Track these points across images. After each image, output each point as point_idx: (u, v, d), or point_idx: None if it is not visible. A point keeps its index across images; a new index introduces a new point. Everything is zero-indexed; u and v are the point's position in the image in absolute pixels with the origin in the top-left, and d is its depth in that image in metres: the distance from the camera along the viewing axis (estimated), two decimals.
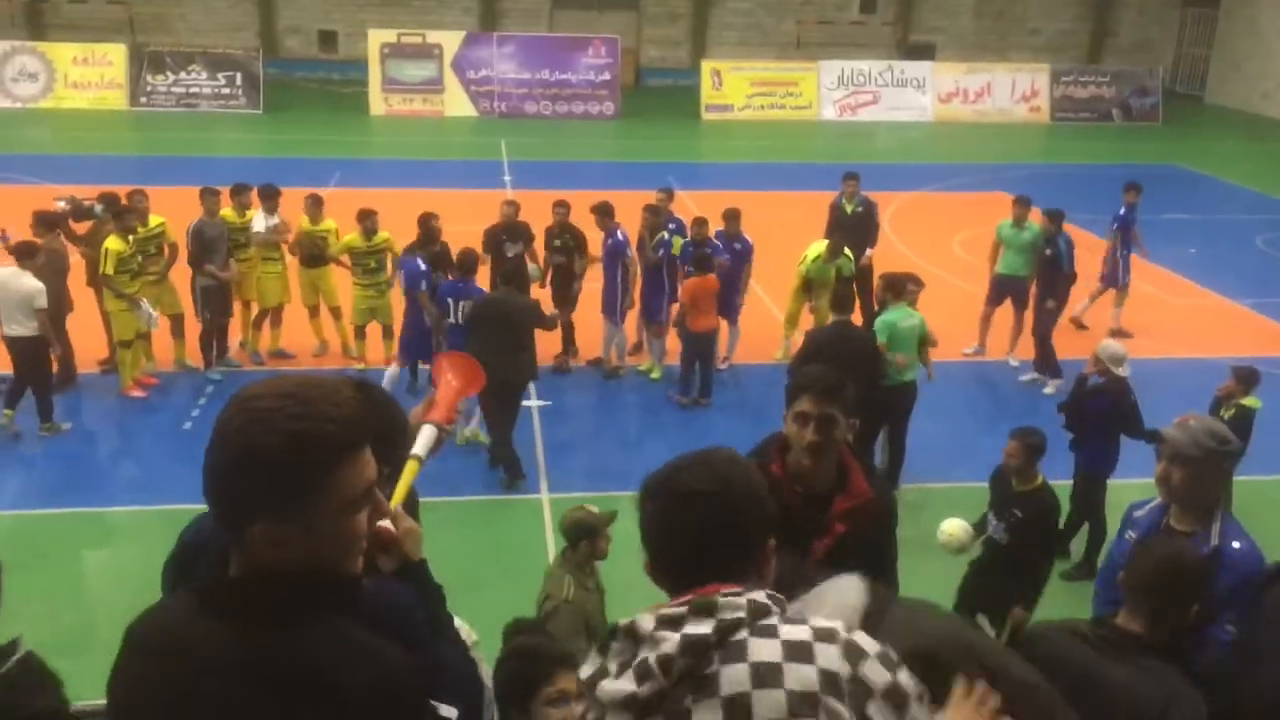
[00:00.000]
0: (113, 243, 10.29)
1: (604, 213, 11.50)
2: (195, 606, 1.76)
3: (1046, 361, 11.66)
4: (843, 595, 2.06)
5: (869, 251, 12.61)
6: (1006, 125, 29.08)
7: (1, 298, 9.60)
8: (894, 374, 8.96)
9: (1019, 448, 6.41)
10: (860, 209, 12.74)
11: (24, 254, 9.80)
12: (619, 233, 11.52)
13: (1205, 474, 3.68)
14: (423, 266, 10.41)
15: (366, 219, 11.29)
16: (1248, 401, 8.37)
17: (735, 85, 29.23)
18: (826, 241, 11.83)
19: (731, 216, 11.88)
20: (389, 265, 11.44)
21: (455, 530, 8.32)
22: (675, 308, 11.36)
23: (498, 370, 8.62)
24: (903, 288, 9.29)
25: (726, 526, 1.94)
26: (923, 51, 33.82)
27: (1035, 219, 12.07)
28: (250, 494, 1.69)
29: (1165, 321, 13.90)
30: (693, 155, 25.06)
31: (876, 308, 9.40)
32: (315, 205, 11.61)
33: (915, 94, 29.60)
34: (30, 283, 9.59)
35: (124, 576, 7.63)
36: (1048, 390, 11.44)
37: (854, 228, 12.52)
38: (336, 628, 1.74)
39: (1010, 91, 29.94)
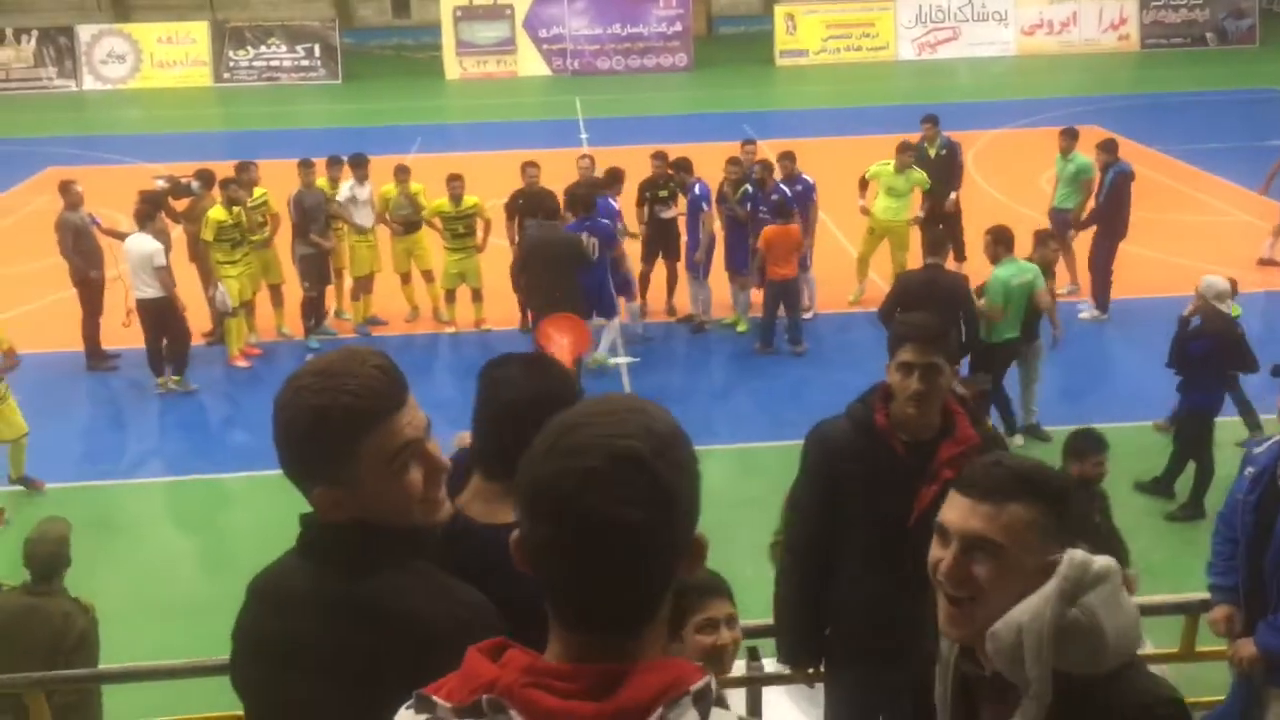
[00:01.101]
0: (216, 212, 10.66)
1: (682, 168, 11.55)
2: (297, 559, 2.00)
3: (1099, 288, 11.50)
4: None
5: (954, 194, 12.40)
6: (1094, 56, 28.08)
7: (130, 262, 10.11)
8: (995, 331, 8.53)
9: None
10: (944, 151, 12.50)
11: (143, 216, 10.33)
12: (697, 186, 11.52)
13: None
14: (615, 206, 11.19)
15: (453, 184, 11.47)
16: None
17: (809, 29, 28.71)
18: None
19: (786, 158, 11.78)
20: (479, 230, 11.62)
21: None
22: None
23: (546, 304, 9.29)
24: (1012, 241, 8.84)
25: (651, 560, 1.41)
26: None
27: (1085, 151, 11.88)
28: (298, 463, 1.93)
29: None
30: (768, 103, 24.75)
31: (989, 260, 8.98)
32: (403, 174, 11.80)
33: (997, 28, 28.72)
34: (149, 244, 10.08)
35: (241, 538, 7.99)
36: (1084, 315, 11.29)
37: (937, 171, 12.34)
38: (409, 572, 1.92)
39: (1097, 20, 28.85)
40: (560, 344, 2.90)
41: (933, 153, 12.48)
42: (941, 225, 11.90)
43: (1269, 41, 28.78)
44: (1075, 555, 1.97)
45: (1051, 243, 9.12)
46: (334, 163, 11.84)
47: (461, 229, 11.57)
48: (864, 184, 12.20)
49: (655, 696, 1.34)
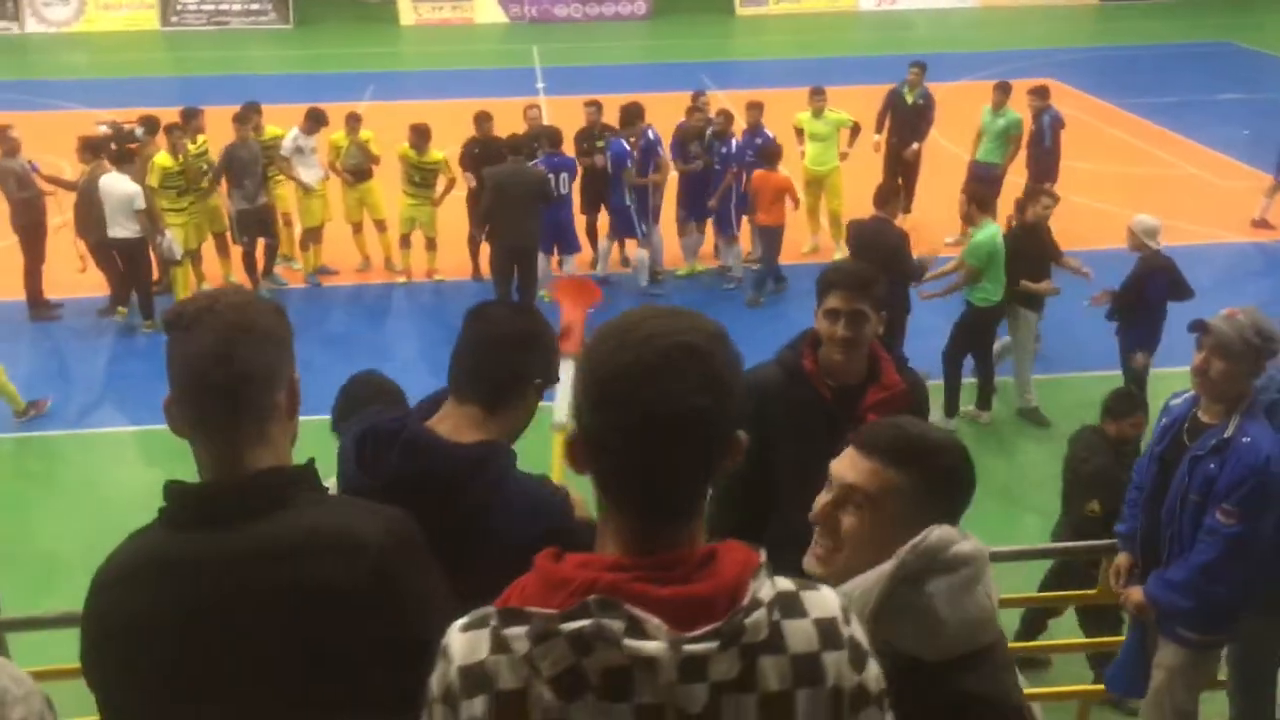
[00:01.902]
0: (161, 159, 10.51)
1: (633, 114, 11.45)
2: (174, 529, 1.99)
3: None
4: None
5: (916, 145, 12.43)
6: (1054, 7, 28.07)
7: (106, 202, 10.05)
8: (978, 294, 8.50)
9: None
10: (921, 101, 12.51)
11: (122, 159, 10.28)
12: (649, 132, 11.45)
13: (1243, 369, 3.68)
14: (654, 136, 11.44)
15: (417, 134, 11.31)
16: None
17: None
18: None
19: (754, 108, 11.70)
20: (439, 185, 11.48)
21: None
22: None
23: (514, 235, 9.89)
24: (992, 202, 8.83)
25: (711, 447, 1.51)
26: None
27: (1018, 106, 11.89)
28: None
29: (1213, 204, 13.57)
30: (727, 53, 24.57)
31: (964, 222, 9.12)
32: (354, 123, 11.61)
33: None
34: (129, 185, 10.07)
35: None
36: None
37: (911, 119, 12.39)
38: (322, 501, 1.98)
39: None
40: (571, 308, 3.01)
41: (910, 99, 12.47)
42: (900, 176, 12.03)
43: None
44: (930, 537, 1.91)
45: (1044, 198, 8.70)
46: (242, 117, 11.18)
47: (418, 179, 11.45)
48: (799, 133, 12.21)
49: (740, 573, 1.46)
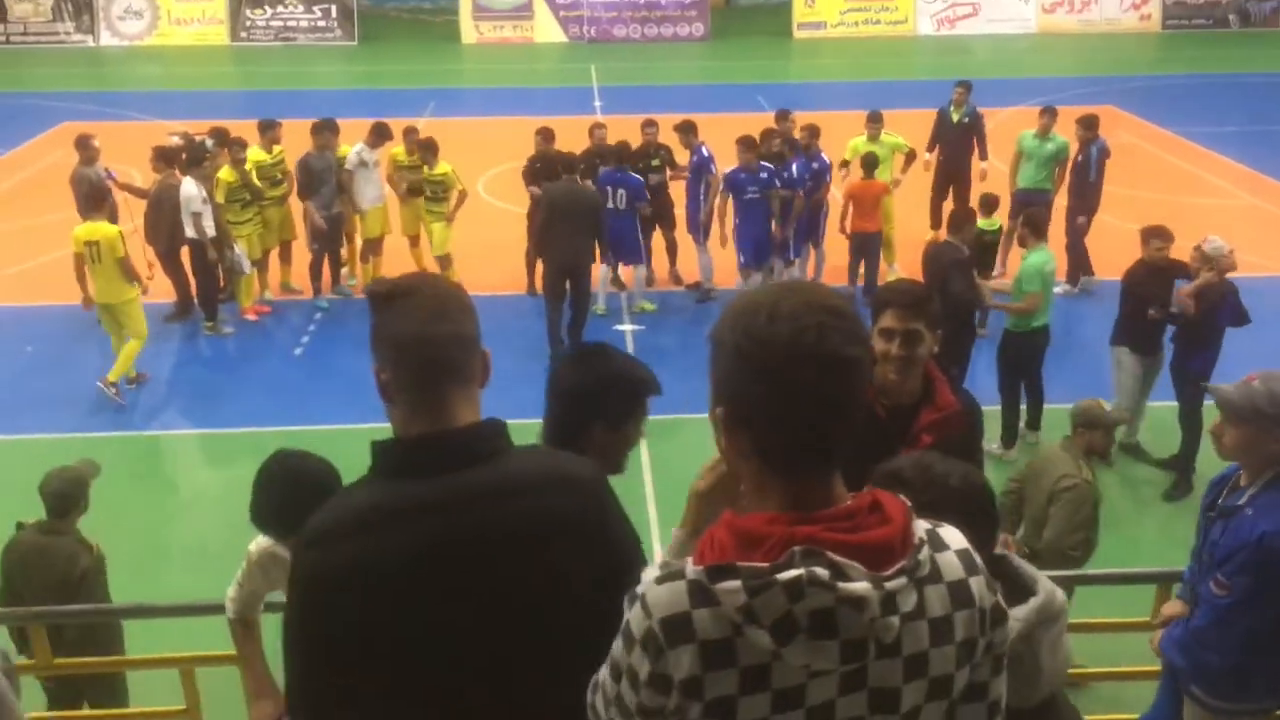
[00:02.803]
0: (225, 173, 10.79)
1: (687, 131, 11.61)
2: (393, 481, 2.12)
3: (1080, 264, 11.61)
4: None
5: (983, 165, 12.44)
6: (1115, 35, 27.84)
7: (181, 204, 10.37)
8: (1026, 320, 8.43)
9: None
10: (967, 119, 12.52)
11: (192, 162, 10.59)
12: (703, 149, 11.55)
13: (1258, 438, 3.55)
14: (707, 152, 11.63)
15: (424, 148, 11.48)
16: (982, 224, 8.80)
17: (828, 2, 28.50)
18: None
19: (810, 133, 11.71)
20: (451, 199, 11.64)
21: None
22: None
23: (567, 252, 9.85)
24: (1044, 228, 8.76)
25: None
26: None
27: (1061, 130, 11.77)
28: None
29: (1276, 235, 13.37)
30: (784, 76, 24.65)
31: (1019, 245, 9.04)
32: (412, 136, 11.85)
33: (1018, 4, 28.46)
34: (188, 189, 10.35)
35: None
36: (1057, 290, 11.05)
37: (958, 138, 12.42)
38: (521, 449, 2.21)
39: None
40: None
41: (956, 118, 12.51)
42: (952, 194, 12.07)
43: None
44: (1047, 588, 1.99)
45: (1155, 240, 8.15)
46: (319, 129, 11.54)
47: (428, 193, 11.62)
48: (845, 163, 12.10)
49: (906, 518, 1.63)
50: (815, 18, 28.45)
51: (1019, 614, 1.95)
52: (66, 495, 5.05)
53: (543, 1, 28.06)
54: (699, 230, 11.65)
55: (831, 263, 11.90)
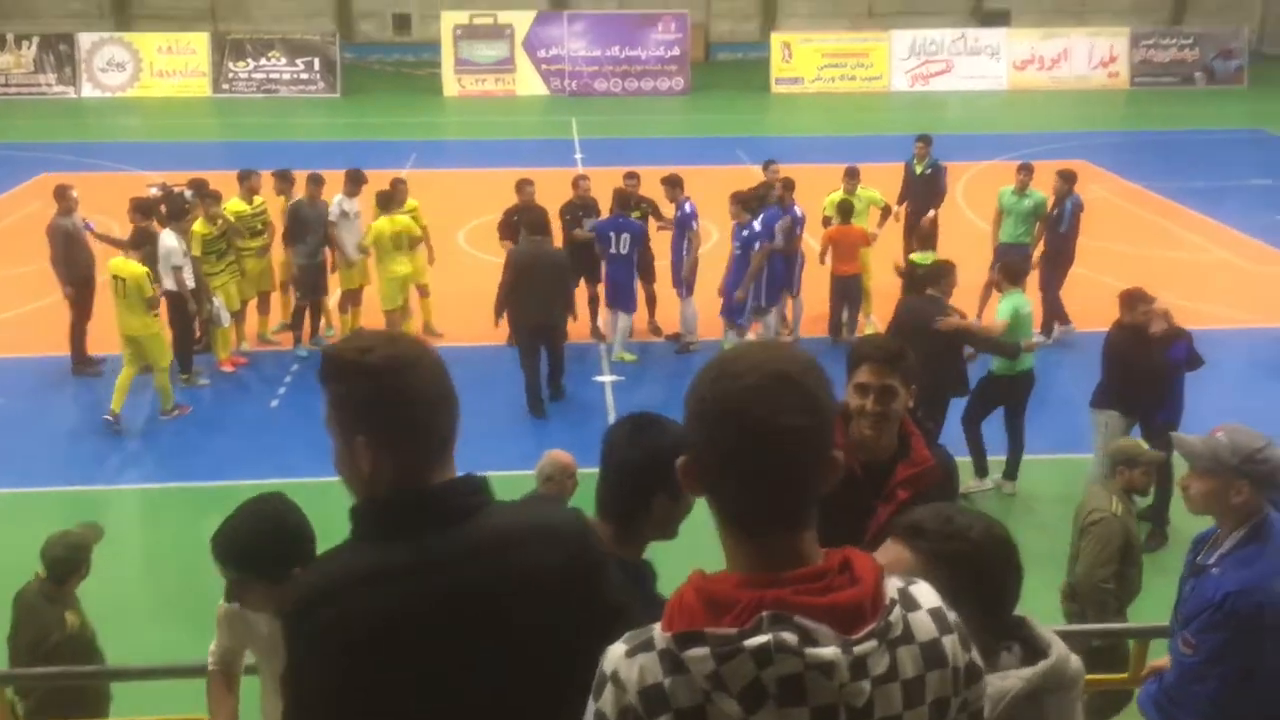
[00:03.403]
0: (199, 226, 10.79)
1: (673, 184, 11.72)
2: (379, 542, 2.15)
3: (1055, 313, 11.76)
4: None
5: (932, 212, 12.62)
6: (1084, 92, 28.41)
7: (160, 257, 10.37)
8: (1007, 364, 8.59)
9: None
10: (929, 171, 12.78)
11: (173, 215, 10.59)
12: (687, 204, 11.66)
13: (1221, 489, 3.50)
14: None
15: (399, 186, 11.66)
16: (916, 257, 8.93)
17: (805, 58, 29.01)
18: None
19: (785, 186, 11.85)
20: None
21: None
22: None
23: (534, 314, 9.74)
24: (1022, 275, 9.11)
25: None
26: (997, 18, 33.10)
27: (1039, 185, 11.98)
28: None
29: (1246, 289, 13.58)
30: (763, 129, 24.98)
31: (995, 290, 9.24)
32: (400, 188, 11.83)
33: (989, 62, 29.06)
34: (166, 241, 10.35)
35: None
36: (1033, 340, 11.24)
37: (922, 190, 12.67)
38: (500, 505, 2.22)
39: (1088, 57, 29.21)
40: None
41: (919, 169, 12.76)
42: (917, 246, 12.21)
43: (1257, 82, 29.15)
44: (1062, 652, 1.95)
45: (1141, 305, 8.01)
46: (314, 179, 11.72)
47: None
48: (827, 220, 12.15)
49: (877, 577, 1.63)
50: (793, 73, 28.90)
51: (1025, 674, 1.94)
52: (65, 561, 4.98)
53: (524, 55, 28.41)
54: (681, 284, 11.73)
55: (812, 312, 12.00)
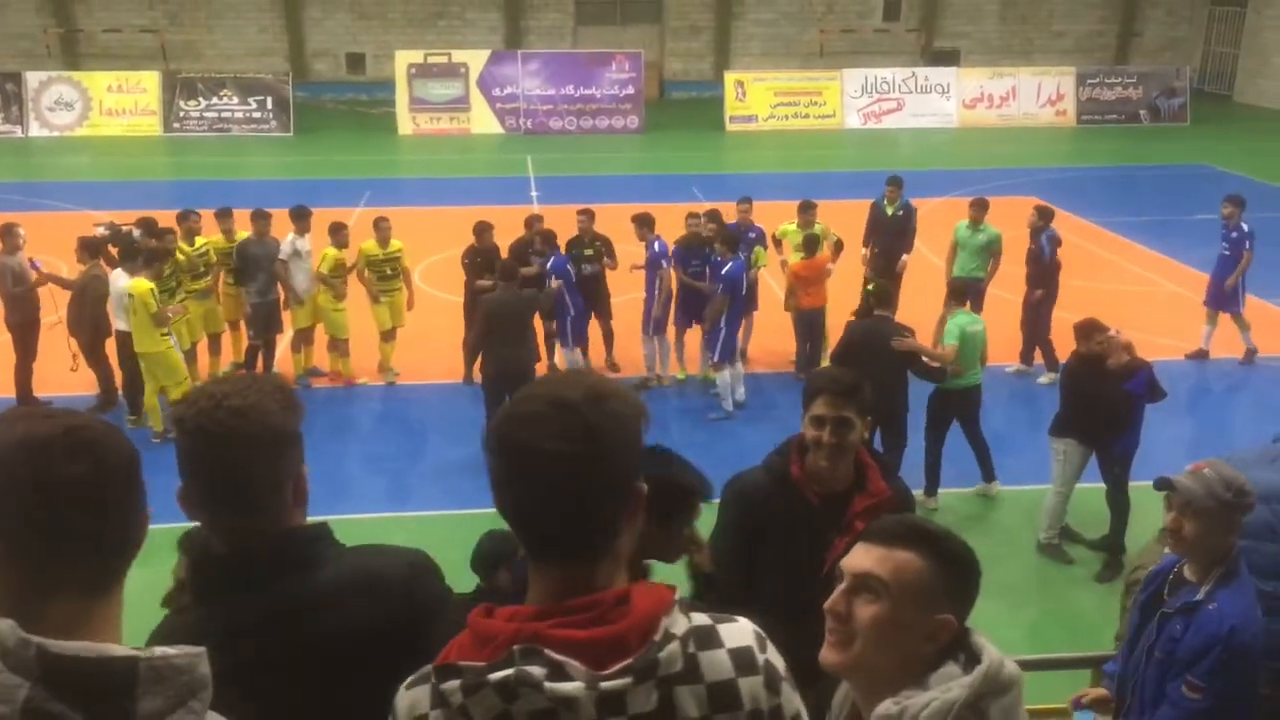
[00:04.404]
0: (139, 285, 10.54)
1: (643, 223, 11.67)
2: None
3: (1046, 355, 11.87)
4: None
5: (905, 257, 12.74)
6: (1032, 129, 29.01)
7: (112, 296, 10.29)
8: (955, 379, 8.93)
9: None
10: (900, 213, 12.90)
11: (125, 255, 10.42)
12: (656, 243, 11.64)
13: (1217, 525, 3.49)
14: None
15: (381, 225, 11.70)
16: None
17: (759, 96, 29.36)
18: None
19: (744, 202, 12.23)
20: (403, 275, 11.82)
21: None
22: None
23: (505, 361, 9.56)
24: (964, 294, 9.59)
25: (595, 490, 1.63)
26: (947, 58, 33.81)
27: (992, 220, 12.30)
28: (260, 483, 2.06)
29: (1196, 322, 13.79)
30: (717, 166, 25.20)
31: (944, 308, 9.59)
32: (384, 227, 11.73)
33: (940, 100, 29.60)
34: (118, 282, 10.20)
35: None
36: (1043, 380, 11.61)
37: (894, 231, 12.75)
38: (343, 553, 2.15)
39: (1036, 95, 29.85)
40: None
41: (890, 211, 12.87)
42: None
43: (1199, 119, 29.94)
44: (994, 657, 1.96)
45: (1096, 334, 8.08)
46: (259, 216, 11.62)
47: (389, 270, 11.71)
48: (777, 242, 12.54)
49: (653, 610, 1.57)
50: (746, 111, 29.22)
51: (964, 683, 1.92)
52: None
53: (479, 94, 28.48)
54: (649, 323, 11.66)
55: (772, 347, 12.04)
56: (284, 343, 12.11)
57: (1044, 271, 11.81)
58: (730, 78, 29.90)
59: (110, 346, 10.80)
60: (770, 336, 12.43)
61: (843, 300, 12.46)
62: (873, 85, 29.57)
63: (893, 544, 2.00)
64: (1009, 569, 8.19)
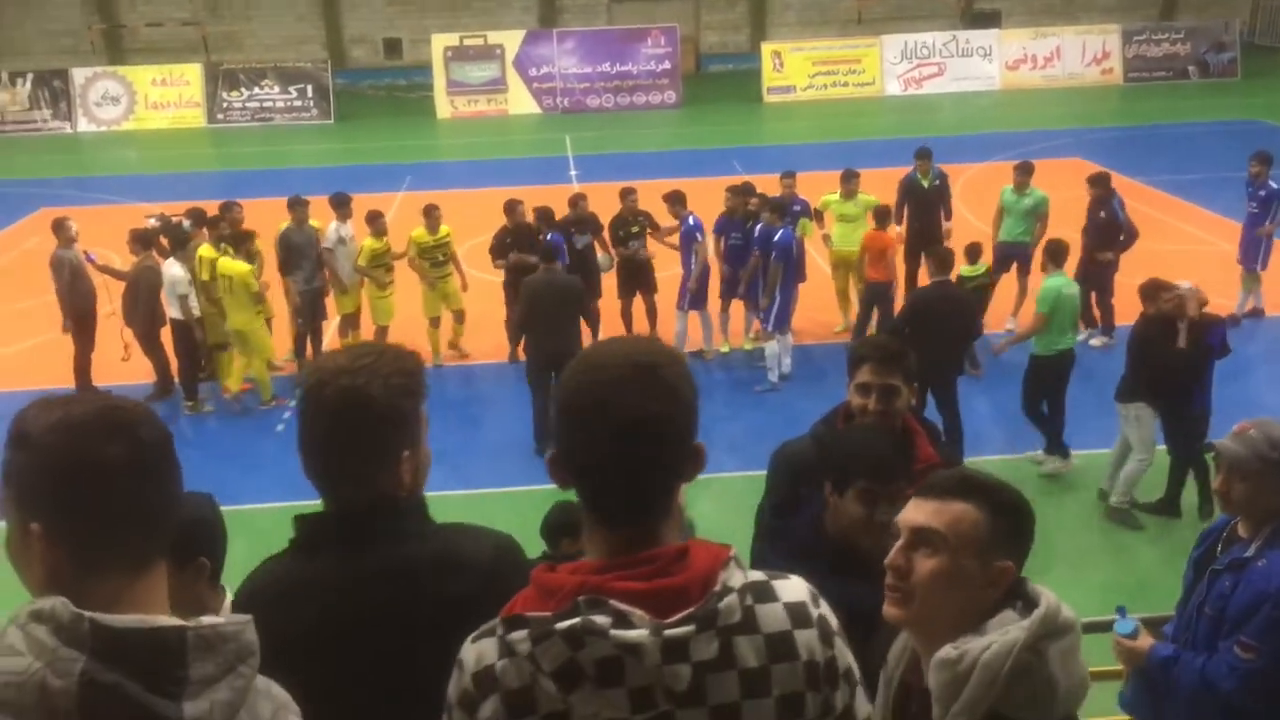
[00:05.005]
0: (205, 250, 10.79)
1: (676, 200, 11.69)
2: (310, 554, 2.19)
3: (1105, 317, 11.74)
4: None
5: (947, 224, 12.62)
6: (1078, 89, 28.45)
7: (165, 286, 10.62)
8: (1048, 342, 8.85)
9: None
10: (937, 182, 12.75)
11: (175, 243, 10.78)
12: (690, 218, 11.64)
13: (1267, 486, 3.50)
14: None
15: (432, 212, 11.73)
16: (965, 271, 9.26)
17: (796, 66, 29.09)
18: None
19: (787, 176, 12.27)
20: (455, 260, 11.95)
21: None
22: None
23: (547, 347, 9.44)
24: (1063, 256, 9.30)
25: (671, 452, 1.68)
26: (988, 19, 33.21)
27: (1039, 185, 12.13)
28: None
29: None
30: (756, 139, 25.02)
31: (1040, 270, 9.51)
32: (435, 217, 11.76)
33: (981, 63, 29.12)
34: (172, 271, 10.51)
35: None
36: (1094, 343, 11.43)
37: (932, 201, 12.61)
38: (437, 529, 2.24)
39: (1080, 54, 29.27)
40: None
41: (926, 184, 12.70)
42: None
43: (1249, 74, 29.20)
44: (1051, 601, 2.01)
45: (1163, 293, 8.02)
46: (298, 203, 11.66)
47: (440, 256, 11.80)
48: (819, 215, 12.46)
49: (711, 564, 1.62)
50: (784, 82, 28.98)
51: (1024, 625, 1.98)
52: None
53: (516, 75, 28.51)
54: (684, 298, 11.67)
55: (809, 314, 12.01)
56: (330, 329, 12.27)
57: (1117, 235, 11.65)
58: (767, 48, 29.64)
59: (165, 335, 11.03)
60: (816, 308, 12.38)
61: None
62: (912, 50, 29.16)
63: (947, 497, 2.05)
64: (1074, 532, 8.17)
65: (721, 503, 7.67)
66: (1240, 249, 12.49)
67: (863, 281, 11.91)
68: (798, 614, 1.67)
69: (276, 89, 28.47)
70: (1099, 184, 11.79)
